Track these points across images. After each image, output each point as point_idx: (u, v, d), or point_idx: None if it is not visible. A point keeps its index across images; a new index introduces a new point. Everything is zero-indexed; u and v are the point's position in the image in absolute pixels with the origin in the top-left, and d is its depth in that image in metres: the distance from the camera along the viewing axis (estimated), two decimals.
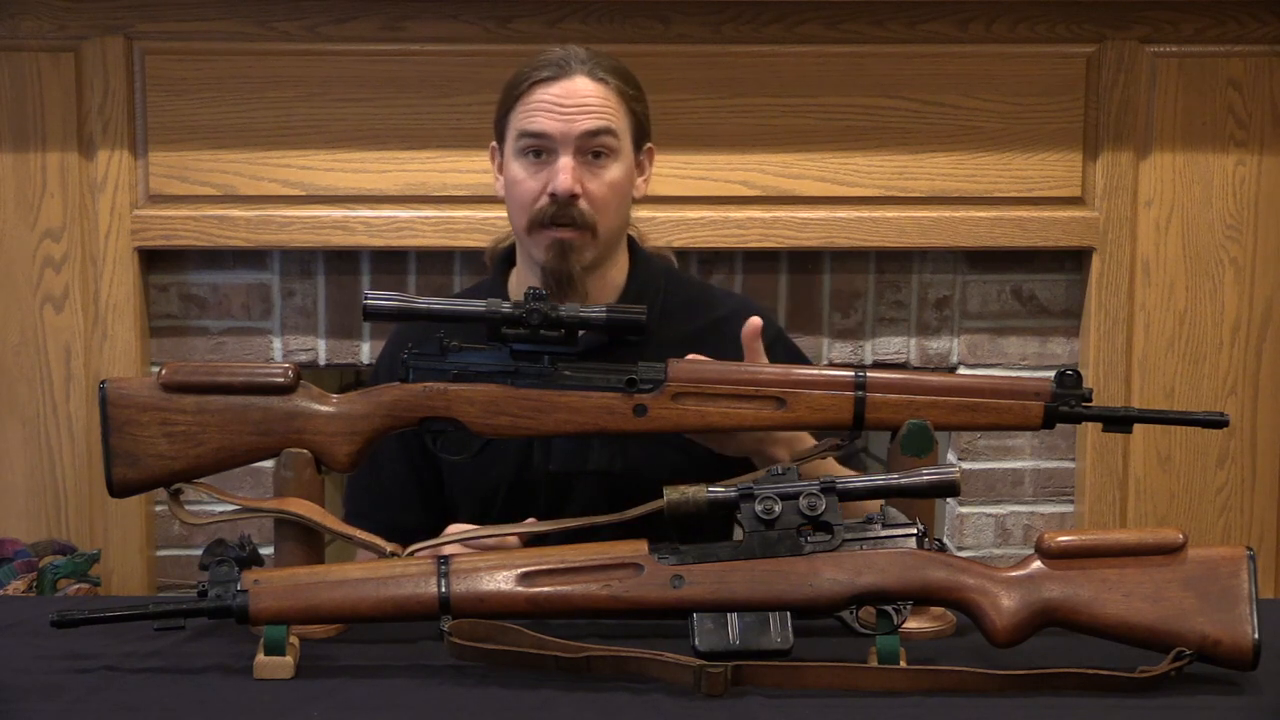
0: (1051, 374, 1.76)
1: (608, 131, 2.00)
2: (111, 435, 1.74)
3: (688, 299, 2.13)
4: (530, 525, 1.78)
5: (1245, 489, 3.01)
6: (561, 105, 1.99)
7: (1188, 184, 2.95)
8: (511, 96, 2.04)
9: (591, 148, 1.99)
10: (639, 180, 2.09)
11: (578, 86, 2.00)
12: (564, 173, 1.97)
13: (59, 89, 2.88)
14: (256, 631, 1.58)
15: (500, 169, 2.10)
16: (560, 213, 1.98)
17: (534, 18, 2.87)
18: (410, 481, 2.10)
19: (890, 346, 3.01)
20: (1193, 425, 1.79)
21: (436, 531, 2.14)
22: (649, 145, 2.11)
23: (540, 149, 2.00)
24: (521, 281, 2.10)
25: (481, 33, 2.88)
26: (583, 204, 1.98)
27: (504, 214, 2.87)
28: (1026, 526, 3.04)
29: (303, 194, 2.91)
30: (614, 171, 2.01)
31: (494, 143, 2.11)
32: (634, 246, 2.14)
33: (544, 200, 1.99)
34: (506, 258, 2.15)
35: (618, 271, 2.09)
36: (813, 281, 2.99)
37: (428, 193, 2.91)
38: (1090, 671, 1.53)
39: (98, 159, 2.89)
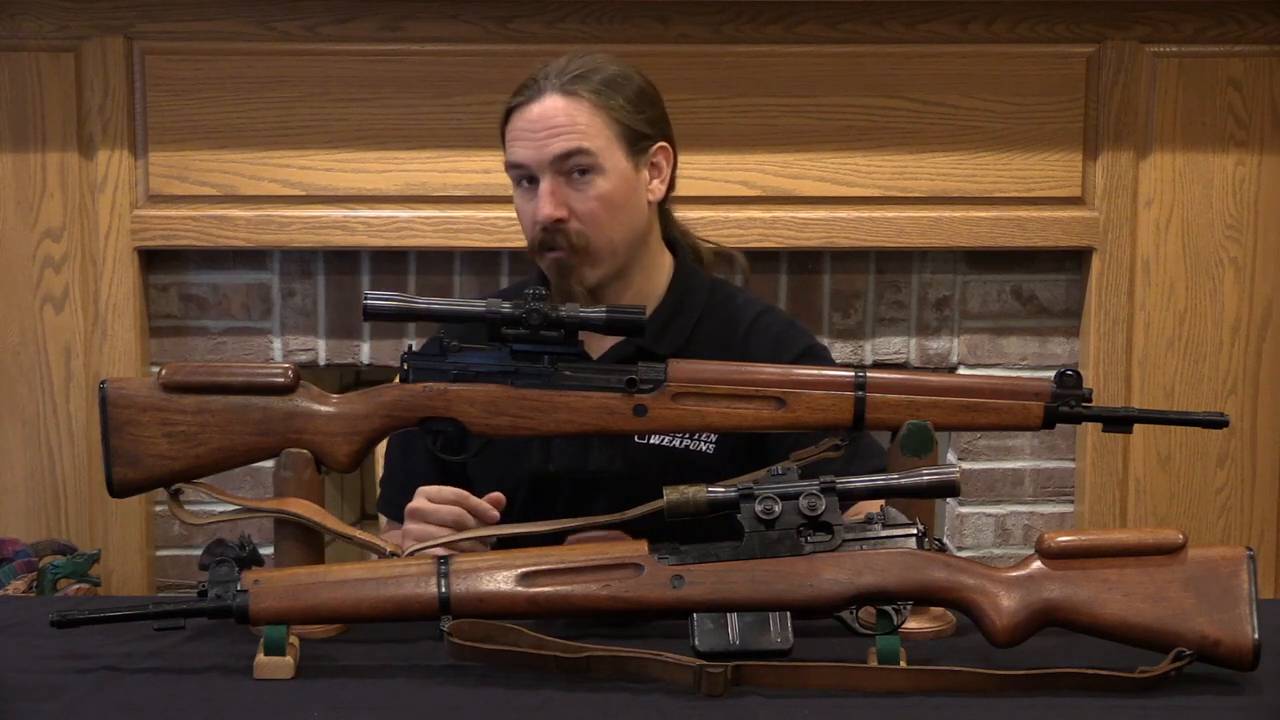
0: (1051, 374, 1.76)
1: (579, 151, 1.95)
2: (111, 435, 1.73)
3: (726, 322, 2.08)
4: (529, 526, 1.78)
5: (1245, 489, 3.01)
6: (533, 131, 1.96)
7: (1188, 184, 2.96)
8: (502, 126, 2.02)
9: (569, 168, 1.96)
10: (654, 183, 2.04)
11: (546, 108, 1.96)
12: (542, 199, 1.95)
13: (59, 89, 2.88)
14: (256, 631, 1.58)
15: None
16: (549, 238, 1.96)
17: (534, 18, 2.87)
18: (434, 471, 2.10)
19: (890, 346, 3.01)
20: (1193, 425, 1.79)
21: None
22: (660, 144, 2.05)
23: (526, 177, 1.98)
24: None
25: (481, 33, 2.88)
26: (572, 225, 1.95)
27: (504, 213, 2.89)
28: (1026, 526, 3.04)
29: (303, 194, 2.91)
30: (600, 186, 1.96)
31: None
32: (679, 256, 2.10)
33: (537, 228, 1.97)
34: None
35: (649, 280, 2.05)
36: (813, 281, 2.99)
37: (428, 193, 2.91)
38: (1090, 671, 1.53)
39: (98, 159, 2.89)
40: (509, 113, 2.00)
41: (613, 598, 1.57)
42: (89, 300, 2.92)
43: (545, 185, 1.95)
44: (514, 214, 2.06)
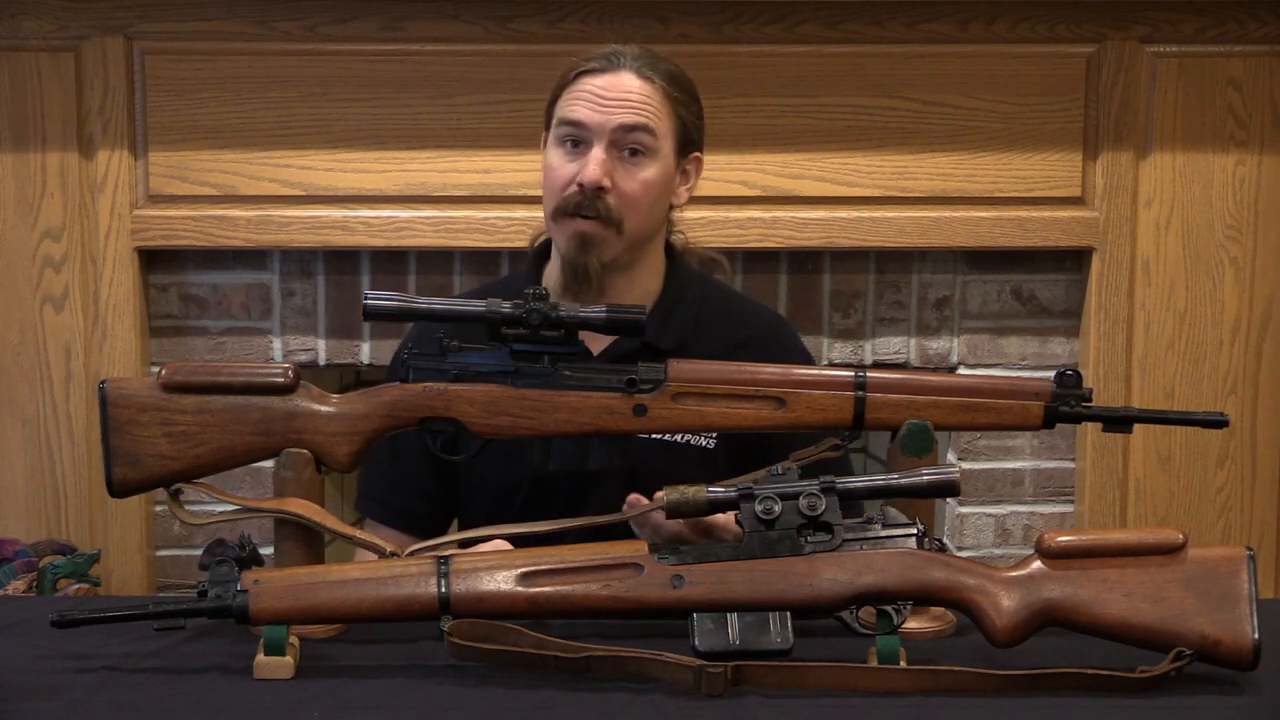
0: (1051, 374, 1.76)
1: (644, 129, 1.99)
2: (111, 435, 1.74)
3: (722, 313, 2.11)
4: (528, 526, 1.78)
5: (1245, 489, 3.01)
6: (602, 97, 1.99)
7: (1188, 184, 2.95)
8: (560, 85, 2.04)
9: (627, 143, 1.98)
10: (681, 188, 2.08)
11: (621, 81, 2.00)
12: (593, 164, 1.97)
13: (59, 89, 2.88)
14: (256, 631, 1.58)
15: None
16: (586, 204, 1.97)
17: (534, 18, 2.87)
18: (427, 472, 2.10)
19: (890, 346, 3.01)
20: (1193, 425, 1.79)
21: (445, 522, 2.14)
22: (696, 154, 2.09)
23: (577, 138, 2.00)
24: (553, 274, 2.08)
25: (481, 33, 2.88)
26: (611, 198, 1.97)
27: (504, 213, 2.89)
28: (1026, 526, 3.04)
29: (303, 194, 2.91)
30: (649, 171, 2.00)
31: (544, 131, 2.09)
32: (672, 255, 2.12)
33: (572, 189, 1.98)
34: (543, 250, 2.13)
35: (650, 277, 2.08)
36: (813, 281, 2.99)
37: (428, 193, 2.91)
38: (1090, 671, 1.53)
39: (98, 159, 2.89)
40: (576, 75, 2.02)
41: (613, 598, 1.57)
42: (89, 300, 2.92)
43: (597, 152, 1.98)
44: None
